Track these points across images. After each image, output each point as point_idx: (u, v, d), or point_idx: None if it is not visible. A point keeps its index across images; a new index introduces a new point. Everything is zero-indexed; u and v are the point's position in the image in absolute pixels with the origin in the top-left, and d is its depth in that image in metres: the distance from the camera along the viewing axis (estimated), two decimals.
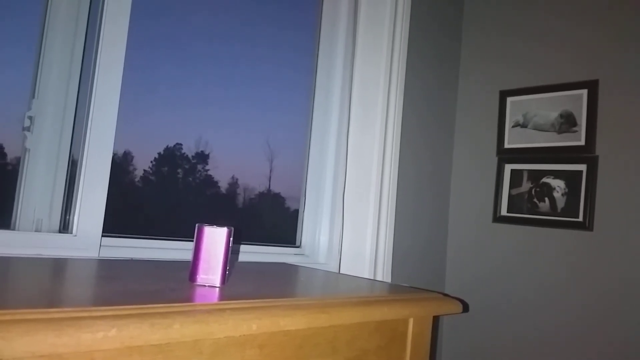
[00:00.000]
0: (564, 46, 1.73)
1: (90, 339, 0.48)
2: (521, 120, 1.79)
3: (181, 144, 1.44)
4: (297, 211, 1.64)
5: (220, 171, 1.52)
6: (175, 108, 1.41)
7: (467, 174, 1.92)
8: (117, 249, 1.15)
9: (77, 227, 1.07)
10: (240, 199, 1.59)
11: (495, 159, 1.85)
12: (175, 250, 1.27)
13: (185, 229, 1.24)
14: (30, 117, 1.08)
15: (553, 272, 1.66)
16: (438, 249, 1.91)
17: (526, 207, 1.74)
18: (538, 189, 1.72)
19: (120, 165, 1.31)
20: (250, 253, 1.42)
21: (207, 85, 1.47)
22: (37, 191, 1.08)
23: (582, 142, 1.64)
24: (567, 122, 1.68)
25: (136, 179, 1.37)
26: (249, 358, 0.66)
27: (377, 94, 1.62)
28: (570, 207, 1.64)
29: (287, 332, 0.70)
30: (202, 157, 1.48)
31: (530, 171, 1.75)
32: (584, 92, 1.65)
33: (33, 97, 1.09)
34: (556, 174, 1.69)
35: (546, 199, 1.70)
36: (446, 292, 1.91)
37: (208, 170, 1.50)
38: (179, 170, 1.47)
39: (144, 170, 1.38)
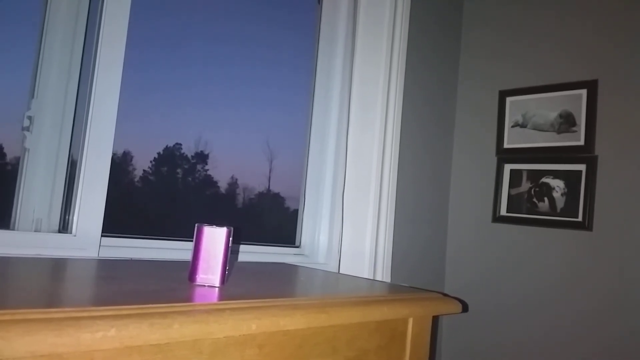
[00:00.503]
0: (563, 46, 1.73)
1: (89, 338, 0.48)
2: (520, 120, 1.79)
3: (181, 144, 1.44)
4: (296, 211, 1.64)
5: (220, 171, 1.52)
6: (174, 108, 1.41)
7: (467, 174, 1.92)
8: (116, 249, 1.15)
9: (77, 227, 1.07)
10: (239, 199, 1.59)
11: (494, 159, 1.85)
12: (174, 250, 1.26)
13: (184, 229, 1.24)
14: (29, 117, 1.08)
15: (552, 272, 1.66)
16: (437, 249, 1.92)
17: (525, 207, 1.75)
18: (537, 189, 1.72)
19: (120, 165, 1.31)
20: (249, 253, 1.42)
21: (206, 85, 1.47)
22: (36, 191, 1.08)
23: (582, 142, 1.64)
24: (566, 122, 1.68)
25: (136, 179, 1.37)
26: (248, 358, 0.66)
27: (377, 93, 1.62)
28: (570, 207, 1.64)
29: (286, 331, 0.70)
30: (202, 157, 1.48)
31: (529, 171, 1.75)
32: (584, 92, 1.65)
33: (32, 97, 1.09)
34: (555, 174, 1.69)
35: (545, 198, 1.70)
36: (446, 292, 1.91)
37: (207, 170, 1.50)
38: (179, 170, 1.47)
39: (144, 170, 1.38)
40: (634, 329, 1.49)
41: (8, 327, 0.45)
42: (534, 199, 1.72)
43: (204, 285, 0.76)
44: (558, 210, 1.67)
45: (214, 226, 0.76)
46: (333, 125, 1.67)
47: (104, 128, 1.11)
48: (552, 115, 1.72)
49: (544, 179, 1.71)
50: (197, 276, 0.77)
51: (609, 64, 1.62)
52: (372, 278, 1.57)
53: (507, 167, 1.81)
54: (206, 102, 1.47)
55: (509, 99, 1.83)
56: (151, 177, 1.41)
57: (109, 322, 0.50)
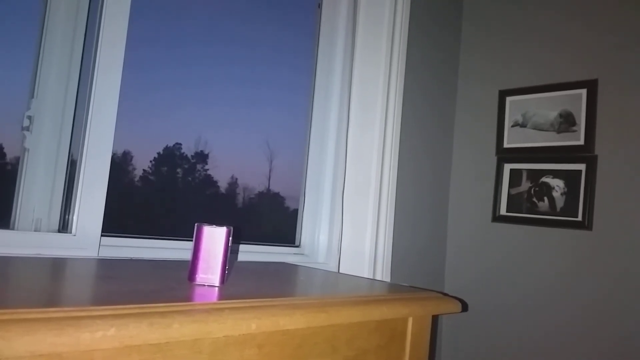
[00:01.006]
0: (563, 46, 1.73)
1: (89, 338, 0.49)
2: (520, 120, 1.79)
3: (181, 144, 1.44)
4: (296, 211, 1.64)
5: (220, 171, 1.52)
6: (174, 108, 1.41)
7: (467, 174, 1.93)
8: (116, 249, 1.15)
9: (77, 227, 1.07)
10: (239, 199, 1.59)
11: (494, 159, 1.85)
12: (174, 249, 1.27)
13: (184, 228, 1.24)
14: (29, 117, 1.08)
15: (552, 271, 1.66)
16: (437, 249, 1.92)
17: (525, 206, 1.75)
18: (537, 189, 1.72)
19: (120, 165, 1.31)
20: (249, 253, 1.42)
21: (206, 85, 1.47)
22: (36, 191, 1.08)
23: (581, 142, 1.64)
24: (566, 121, 1.68)
25: (136, 179, 1.37)
26: (248, 357, 0.66)
27: (377, 93, 1.62)
28: (570, 207, 1.64)
29: (286, 331, 0.70)
30: (202, 157, 1.48)
31: (529, 171, 1.75)
32: (583, 91, 1.65)
33: (32, 96, 1.09)
34: (555, 174, 1.69)
35: (545, 198, 1.70)
36: (445, 291, 1.91)
37: (207, 170, 1.50)
38: (179, 170, 1.47)
39: (144, 170, 1.38)
40: (633, 328, 1.49)
41: (8, 326, 0.45)
42: (534, 199, 1.73)
43: (204, 285, 0.76)
44: (558, 209, 1.67)
45: (214, 226, 0.77)
46: (333, 125, 1.67)
47: (104, 128, 1.11)
48: (552, 114, 1.72)
49: (544, 179, 1.71)
50: (196, 276, 0.77)
51: (609, 64, 1.62)
52: (371, 278, 1.57)
53: (507, 167, 1.81)
54: (206, 102, 1.47)
55: (508, 99, 1.83)
56: (151, 177, 1.41)
57: (109, 321, 0.51)
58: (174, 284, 0.76)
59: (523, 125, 1.78)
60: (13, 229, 1.06)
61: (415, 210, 1.80)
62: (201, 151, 1.47)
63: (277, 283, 0.93)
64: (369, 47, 1.64)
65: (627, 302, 1.51)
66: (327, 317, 0.73)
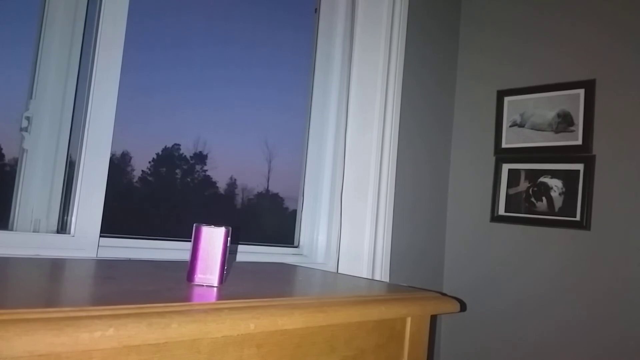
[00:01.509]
0: (561, 46, 1.73)
1: (88, 338, 0.49)
2: (518, 120, 1.79)
3: (179, 145, 1.44)
4: (295, 211, 1.64)
5: (219, 171, 1.52)
6: (173, 109, 1.41)
7: (465, 174, 1.93)
8: (115, 249, 1.15)
9: (75, 228, 1.07)
10: (238, 199, 1.59)
11: (492, 159, 1.85)
12: (173, 250, 1.27)
13: (183, 229, 1.24)
14: (27, 118, 1.08)
15: (551, 271, 1.67)
16: (436, 249, 1.92)
17: (524, 206, 1.75)
18: (535, 189, 1.72)
19: (119, 166, 1.31)
20: (248, 253, 1.42)
21: (205, 86, 1.47)
22: (34, 192, 1.08)
23: (579, 142, 1.64)
24: (564, 121, 1.69)
25: (134, 180, 1.37)
26: (247, 357, 0.66)
27: (375, 93, 1.62)
28: (568, 207, 1.64)
29: (285, 331, 0.70)
30: (201, 158, 1.48)
31: (527, 171, 1.75)
32: (581, 91, 1.65)
33: (31, 97, 1.09)
34: (553, 174, 1.69)
35: (543, 198, 1.70)
36: (444, 291, 1.91)
37: (206, 170, 1.50)
38: (177, 171, 1.47)
39: (142, 170, 1.38)
40: (632, 328, 1.49)
41: (6, 326, 0.45)
42: (532, 199, 1.73)
43: (202, 285, 0.76)
44: (556, 209, 1.67)
45: (212, 226, 0.77)
46: (331, 125, 1.67)
47: (103, 129, 1.11)
48: (550, 114, 1.72)
49: (542, 179, 1.71)
50: (195, 276, 0.77)
51: (607, 64, 1.62)
52: (370, 278, 1.57)
53: (505, 167, 1.81)
54: (205, 102, 1.47)
55: (507, 99, 1.83)
56: (150, 178, 1.41)
57: (107, 321, 0.51)
58: (172, 284, 0.76)
59: (521, 125, 1.79)
60: (12, 229, 1.06)
61: (414, 210, 1.80)
62: (200, 152, 1.47)
63: (275, 283, 0.93)
64: (367, 47, 1.64)
65: (626, 301, 1.51)
66: (326, 317, 0.73)
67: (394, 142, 1.65)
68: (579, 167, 1.63)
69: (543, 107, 1.74)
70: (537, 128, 1.75)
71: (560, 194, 1.67)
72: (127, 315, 0.53)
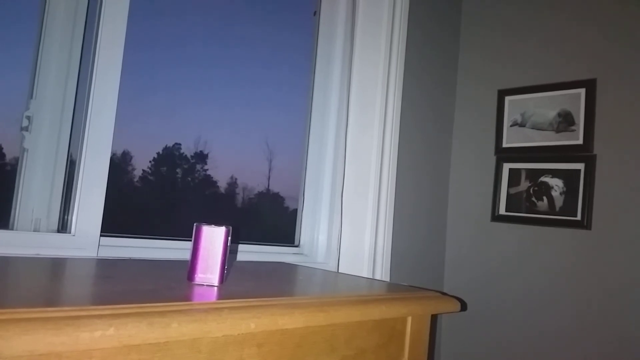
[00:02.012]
0: (562, 45, 1.73)
1: (88, 337, 0.49)
2: (519, 120, 1.79)
3: (180, 144, 1.44)
4: (295, 211, 1.64)
5: (220, 171, 1.52)
6: (174, 108, 1.41)
7: (466, 173, 1.93)
8: (115, 249, 1.15)
9: (76, 227, 1.07)
10: (239, 199, 1.59)
11: (493, 158, 1.85)
12: (173, 249, 1.27)
13: (184, 228, 1.24)
14: (28, 117, 1.08)
15: (551, 271, 1.67)
16: (436, 248, 1.92)
17: (524, 206, 1.75)
18: (536, 188, 1.72)
19: (119, 165, 1.31)
20: (249, 252, 1.42)
21: (205, 85, 1.47)
22: (35, 191, 1.08)
23: (580, 141, 1.64)
24: (565, 121, 1.68)
25: (135, 179, 1.37)
26: (247, 357, 0.66)
27: (376, 93, 1.62)
28: (569, 206, 1.64)
29: (285, 330, 0.70)
30: (201, 157, 1.48)
31: (528, 170, 1.75)
32: (582, 91, 1.65)
33: (31, 97, 1.09)
34: (554, 173, 1.69)
35: (544, 197, 1.70)
36: (445, 291, 1.91)
37: (207, 170, 1.50)
38: (178, 170, 1.47)
39: (143, 170, 1.38)
40: (633, 327, 1.49)
41: (6, 326, 0.45)
42: (533, 198, 1.73)
43: (203, 285, 0.76)
44: (557, 209, 1.67)
45: (213, 225, 0.77)
46: (332, 125, 1.67)
47: (103, 128, 1.11)
48: (551, 114, 1.72)
49: (543, 178, 1.71)
50: (195, 275, 0.77)
51: (608, 63, 1.62)
52: (371, 277, 1.57)
53: (506, 166, 1.81)
54: (205, 102, 1.47)
55: (507, 98, 1.83)
56: (150, 177, 1.41)
57: (108, 321, 0.51)
58: (173, 283, 0.76)
59: (522, 125, 1.78)
60: (12, 229, 1.06)
61: (415, 209, 1.80)
62: (201, 151, 1.47)
63: (276, 283, 0.93)
64: (368, 47, 1.64)
65: (626, 301, 1.51)
66: (326, 317, 0.73)
67: (395, 142, 1.65)
68: (580, 166, 1.63)
69: (544, 106, 1.74)
70: (538, 127, 1.74)
71: (561, 194, 1.67)
72: (128, 315, 0.53)
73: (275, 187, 1.65)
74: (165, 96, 1.39)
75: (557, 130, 1.70)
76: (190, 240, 0.77)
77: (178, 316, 0.56)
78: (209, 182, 1.52)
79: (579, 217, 1.61)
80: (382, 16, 1.64)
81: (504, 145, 1.82)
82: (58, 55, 1.12)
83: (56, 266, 0.88)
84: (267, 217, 1.69)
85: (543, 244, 1.69)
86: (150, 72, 1.36)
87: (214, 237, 0.76)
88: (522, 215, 1.75)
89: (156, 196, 1.46)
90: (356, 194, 1.60)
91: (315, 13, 1.69)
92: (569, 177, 1.65)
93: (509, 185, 1.79)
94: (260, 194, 1.63)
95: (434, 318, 1.73)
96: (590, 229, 1.60)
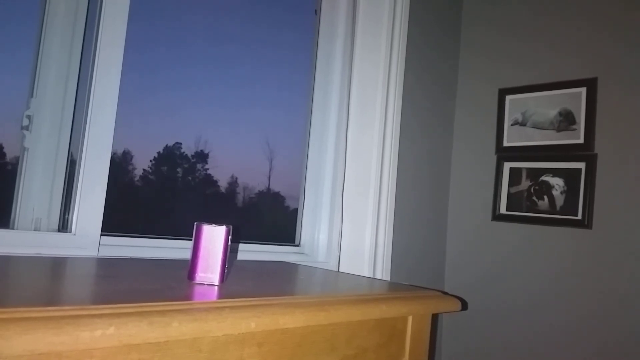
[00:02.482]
0: (562, 44, 1.73)
1: (88, 337, 0.49)
2: (520, 119, 1.79)
3: (181, 144, 1.44)
4: (296, 210, 1.64)
5: (220, 170, 1.52)
6: (174, 107, 1.41)
7: (466, 173, 1.92)
8: (116, 248, 1.15)
9: (76, 226, 1.07)
10: (239, 198, 1.59)
11: (494, 157, 1.85)
12: (174, 249, 1.27)
13: (184, 228, 1.24)
14: (28, 116, 1.08)
15: (552, 270, 1.66)
16: (437, 247, 1.92)
17: (525, 205, 1.74)
18: (537, 187, 1.72)
19: (120, 165, 1.31)
20: (249, 252, 1.42)
21: (206, 85, 1.47)
22: (36, 190, 1.08)
23: (581, 140, 1.64)
24: (566, 120, 1.68)
25: (136, 178, 1.37)
26: (247, 356, 0.66)
27: (376, 92, 1.62)
28: (569, 205, 1.64)
29: (285, 330, 0.70)
30: (202, 157, 1.48)
31: (529, 169, 1.75)
32: (583, 90, 1.65)
33: (32, 96, 1.09)
34: (555, 172, 1.69)
35: (545, 197, 1.70)
36: (445, 290, 1.91)
37: (208, 169, 1.50)
38: (179, 170, 1.47)
39: (144, 169, 1.38)
40: (634, 327, 1.49)
41: (7, 325, 0.45)
42: (534, 197, 1.73)
43: (203, 284, 0.76)
44: (558, 208, 1.67)
45: (213, 225, 0.77)
46: (332, 124, 1.67)
47: (103, 127, 1.11)
48: (552, 113, 1.72)
49: (544, 177, 1.71)
50: (196, 274, 0.77)
51: (609, 62, 1.62)
52: (371, 276, 1.57)
53: (507, 166, 1.81)
54: (206, 101, 1.47)
55: (508, 97, 1.83)
56: (151, 177, 1.41)
57: (108, 320, 0.51)
58: (173, 282, 0.76)
59: (523, 124, 1.78)
60: (13, 228, 1.06)
61: (415, 209, 1.80)
62: (201, 151, 1.47)
63: (276, 282, 0.93)
64: (369, 46, 1.64)
65: (627, 300, 1.51)
66: (327, 316, 0.73)
67: (395, 141, 1.65)
68: (581, 165, 1.63)
69: (545, 105, 1.74)
70: (539, 126, 1.74)
71: (561, 193, 1.67)
72: (128, 314, 0.53)
73: (275, 187, 1.65)
74: (165, 96, 1.39)
75: (558, 129, 1.70)
76: (191, 240, 0.77)
77: (178, 315, 0.56)
78: (210, 181, 1.52)
79: (579, 217, 1.61)
80: (383, 15, 1.64)
81: (505, 144, 1.82)
82: (58, 55, 1.12)
83: (56, 265, 0.88)
84: (268, 217, 1.69)
85: (544, 243, 1.69)
86: (150, 71, 1.36)
87: (214, 236, 0.76)
88: (523, 215, 1.74)
89: (157, 195, 1.46)
90: (357, 193, 1.60)
91: (316, 12, 1.68)
92: (570, 176, 1.65)
93: (510, 185, 1.79)
94: (260, 193, 1.63)
95: (435, 317, 1.73)
96: (591, 228, 1.59)
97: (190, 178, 1.51)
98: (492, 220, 1.83)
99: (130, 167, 1.35)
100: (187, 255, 1.23)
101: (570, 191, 1.64)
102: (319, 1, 1.68)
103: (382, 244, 1.60)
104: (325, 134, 1.67)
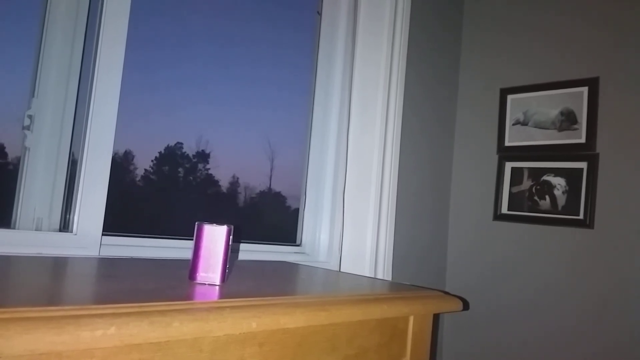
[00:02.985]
0: (564, 44, 1.73)
1: (89, 336, 0.48)
2: (522, 118, 1.79)
3: (182, 143, 1.44)
4: (297, 210, 1.64)
5: (221, 170, 1.52)
6: (176, 107, 1.41)
7: (468, 172, 1.92)
8: (117, 248, 1.15)
9: (78, 226, 1.07)
10: (241, 198, 1.59)
11: (495, 157, 1.85)
12: (175, 248, 1.27)
13: (185, 228, 1.24)
14: (30, 116, 1.08)
15: (554, 270, 1.66)
16: (438, 247, 1.91)
17: (527, 205, 1.74)
18: (539, 187, 1.72)
19: (121, 165, 1.31)
20: (250, 252, 1.42)
21: (207, 84, 1.47)
22: (37, 190, 1.09)
23: (583, 140, 1.63)
24: (567, 119, 1.68)
25: (137, 178, 1.37)
26: (248, 356, 0.66)
27: (377, 92, 1.62)
28: (571, 205, 1.64)
29: (286, 330, 0.70)
30: (203, 157, 1.48)
31: (530, 169, 1.75)
32: (585, 89, 1.65)
33: (33, 96, 1.09)
34: (557, 172, 1.68)
35: (547, 196, 1.70)
36: (447, 290, 1.91)
37: (209, 169, 1.50)
38: (180, 170, 1.47)
39: (145, 169, 1.38)
40: (635, 326, 1.48)
41: (7, 325, 0.45)
42: (535, 197, 1.72)
43: (204, 284, 0.76)
44: (559, 208, 1.66)
45: (214, 224, 0.76)
46: (334, 124, 1.67)
47: (105, 127, 1.11)
48: (554, 112, 1.71)
49: (545, 177, 1.71)
50: (197, 274, 0.77)
51: (610, 62, 1.62)
52: (372, 276, 1.57)
53: (508, 165, 1.80)
54: (207, 101, 1.47)
55: (510, 97, 1.83)
56: (152, 177, 1.41)
57: (109, 320, 0.50)
58: (174, 282, 0.76)
59: (524, 124, 1.78)
60: (14, 228, 1.06)
61: (417, 208, 1.80)
62: (202, 150, 1.47)
63: (277, 282, 0.93)
64: (370, 46, 1.64)
65: (629, 300, 1.50)
66: (328, 316, 0.73)
67: (397, 141, 1.65)
68: (583, 165, 1.63)
69: (546, 105, 1.73)
70: (541, 126, 1.74)
71: (563, 193, 1.66)
72: (129, 314, 0.53)
73: (276, 186, 1.65)
74: (167, 95, 1.39)
75: (560, 129, 1.69)
76: (192, 240, 0.77)
77: (179, 315, 0.56)
78: (211, 181, 1.52)
79: (581, 216, 1.61)
80: (384, 15, 1.64)
81: (506, 144, 1.82)
82: (60, 54, 1.12)
83: (58, 265, 0.88)
84: (269, 216, 1.69)
85: (545, 243, 1.69)
86: (151, 71, 1.36)
87: (215, 236, 0.76)
88: (525, 214, 1.74)
89: (158, 195, 1.46)
90: (358, 193, 1.60)
91: (318, 12, 1.68)
92: (572, 176, 1.65)
93: (511, 184, 1.79)
94: (262, 193, 1.63)
95: (436, 317, 1.72)
96: (592, 228, 1.59)
97: (191, 178, 1.51)
98: (493, 220, 1.82)
99: (131, 167, 1.35)
100: (188, 255, 1.23)
101: (572, 191, 1.64)
102: (320, 1, 1.68)
103: (383, 243, 1.60)
104: (327, 134, 1.67)
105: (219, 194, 1.54)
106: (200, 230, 0.76)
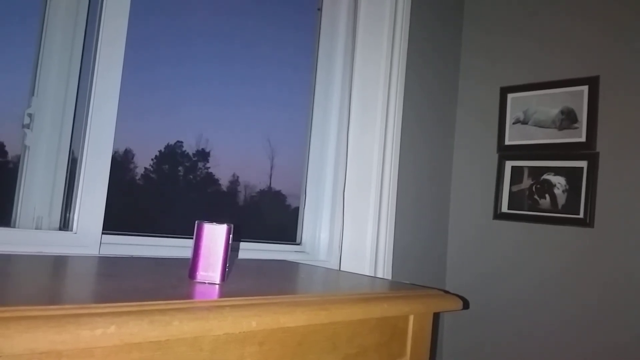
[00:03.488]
0: (564, 42, 1.73)
1: (89, 335, 0.49)
2: (522, 117, 1.79)
3: (182, 142, 1.44)
4: (297, 209, 1.64)
5: (221, 169, 1.52)
6: (176, 106, 1.41)
7: (468, 171, 1.92)
8: (117, 247, 1.15)
9: (78, 225, 1.07)
10: (241, 197, 1.59)
11: (495, 156, 1.85)
12: (175, 247, 1.27)
13: (185, 226, 1.24)
14: (30, 115, 1.08)
15: (554, 268, 1.66)
16: (438, 246, 1.91)
17: (527, 203, 1.74)
18: (539, 186, 1.72)
19: (121, 163, 1.31)
20: (250, 250, 1.42)
21: (207, 83, 1.47)
22: (37, 189, 1.09)
23: (583, 139, 1.63)
24: (567, 118, 1.68)
25: (137, 177, 1.37)
26: (248, 355, 0.66)
27: (377, 91, 1.62)
28: (571, 204, 1.64)
29: (286, 329, 0.70)
30: (203, 155, 1.48)
31: (530, 168, 1.75)
32: (585, 88, 1.65)
33: (33, 94, 1.09)
34: (557, 171, 1.68)
35: (547, 195, 1.70)
36: (447, 289, 1.91)
37: (209, 168, 1.50)
38: (180, 168, 1.47)
39: (145, 168, 1.38)
40: (635, 325, 1.49)
41: (8, 324, 0.45)
42: (535, 196, 1.72)
43: (204, 283, 0.76)
44: (559, 207, 1.66)
45: (214, 223, 0.76)
46: (334, 123, 1.67)
47: (105, 126, 1.11)
48: (554, 111, 1.71)
49: (545, 176, 1.71)
50: (197, 273, 0.77)
51: (611, 61, 1.61)
52: (372, 275, 1.57)
53: (508, 164, 1.80)
54: (207, 100, 1.47)
55: (510, 96, 1.83)
56: (152, 175, 1.41)
57: (109, 319, 0.51)
58: (174, 281, 0.76)
59: (524, 122, 1.78)
60: (14, 227, 1.06)
61: (417, 207, 1.80)
62: (202, 149, 1.47)
63: (277, 281, 0.93)
64: (370, 45, 1.63)
65: (629, 299, 1.50)
66: (328, 315, 0.73)
67: (397, 140, 1.65)
68: (583, 164, 1.62)
69: (546, 104, 1.73)
70: (541, 125, 1.74)
71: (563, 191, 1.66)
72: (129, 313, 0.53)
73: (277, 185, 1.65)
74: (166, 94, 1.39)
75: (560, 128, 1.69)
76: (192, 238, 0.77)
77: (179, 314, 0.56)
78: (211, 180, 1.52)
79: (581, 215, 1.61)
80: (384, 14, 1.64)
81: (507, 142, 1.82)
82: (59, 53, 1.12)
83: (58, 264, 0.88)
84: (269, 215, 1.69)
85: (545, 242, 1.69)
86: (151, 69, 1.35)
87: (215, 235, 0.76)
88: (525, 213, 1.74)
89: (158, 194, 1.46)
90: (358, 192, 1.60)
91: (319, 9, 1.68)
92: (572, 175, 1.65)
93: (512, 183, 1.79)
94: (262, 191, 1.63)
95: (436, 316, 1.72)
96: (592, 227, 1.59)
97: (191, 176, 1.51)
98: (493, 219, 1.82)
99: (131, 166, 1.35)
100: (188, 253, 1.23)
101: (572, 190, 1.64)
102: (320, 5, 1.68)
103: (384, 242, 1.60)
104: (327, 133, 1.67)
105: (219, 192, 1.54)
106: (200, 229, 0.76)
